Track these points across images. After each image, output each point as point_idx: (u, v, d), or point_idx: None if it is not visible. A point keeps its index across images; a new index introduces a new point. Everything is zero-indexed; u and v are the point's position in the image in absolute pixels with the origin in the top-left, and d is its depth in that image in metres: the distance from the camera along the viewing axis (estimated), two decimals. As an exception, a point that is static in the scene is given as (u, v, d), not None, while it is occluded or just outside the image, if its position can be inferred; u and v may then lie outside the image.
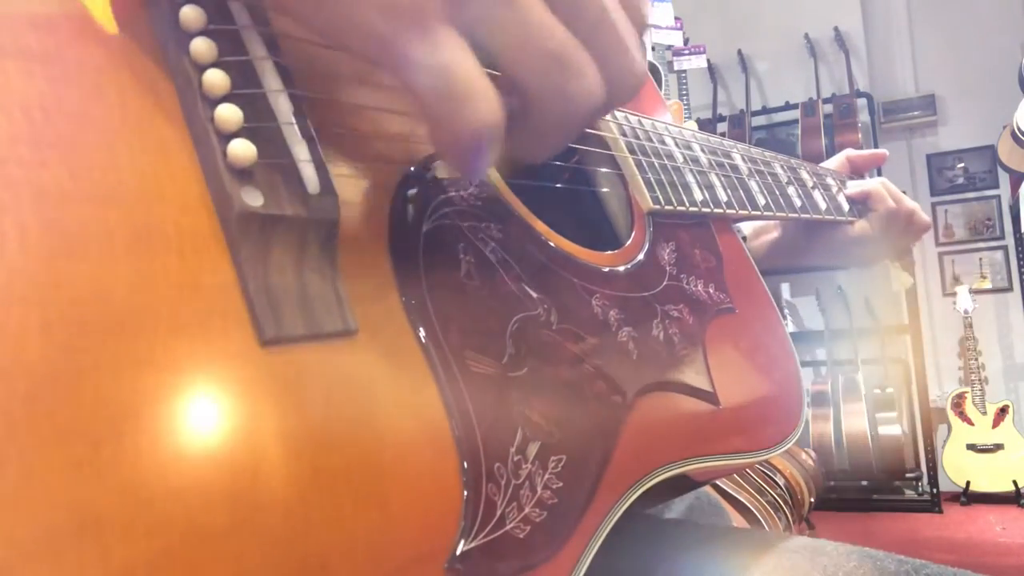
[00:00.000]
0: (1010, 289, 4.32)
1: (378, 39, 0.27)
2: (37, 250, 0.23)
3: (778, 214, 0.69)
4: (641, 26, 0.33)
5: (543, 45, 0.29)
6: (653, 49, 3.45)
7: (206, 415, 0.25)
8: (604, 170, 0.56)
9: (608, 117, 0.56)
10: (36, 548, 0.20)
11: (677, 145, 0.61)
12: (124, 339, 0.24)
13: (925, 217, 0.88)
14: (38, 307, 0.22)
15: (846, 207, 0.83)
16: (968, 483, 3.92)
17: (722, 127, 4.52)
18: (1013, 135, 3.54)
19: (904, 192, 0.88)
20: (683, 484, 0.58)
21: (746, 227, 0.88)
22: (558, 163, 0.55)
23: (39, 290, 0.23)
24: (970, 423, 4.01)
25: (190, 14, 0.29)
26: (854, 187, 0.85)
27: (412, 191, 0.36)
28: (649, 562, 0.54)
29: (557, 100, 0.30)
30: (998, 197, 4.40)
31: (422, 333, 0.32)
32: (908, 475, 3.99)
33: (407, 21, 0.27)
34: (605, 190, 0.56)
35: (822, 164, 0.88)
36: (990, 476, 3.89)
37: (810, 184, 0.78)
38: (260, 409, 0.26)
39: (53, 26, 0.26)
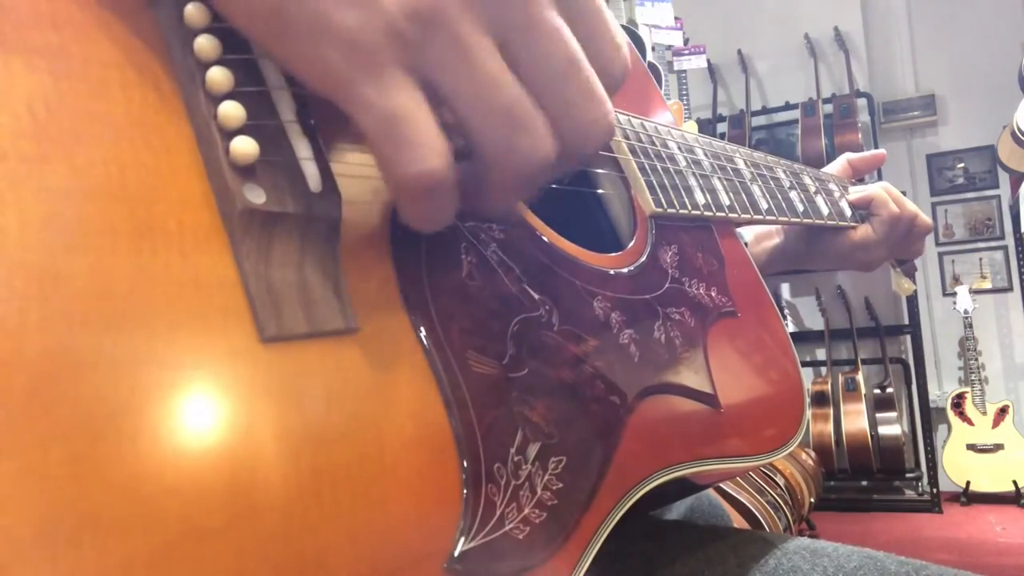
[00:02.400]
0: (1010, 289, 4.32)
1: (334, 77, 0.27)
2: (38, 245, 0.23)
3: (780, 218, 0.69)
4: (619, 72, 0.33)
5: (493, 99, 0.29)
6: (653, 49, 3.45)
7: (206, 412, 0.24)
8: (607, 172, 0.56)
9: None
10: (33, 545, 0.20)
11: (680, 148, 0.61)
12: (124, 335, 0.24)
13: (927, 220, 0.88)
14: (38, 302, 0.22)
15: (848, 212, 0.84)
16: (968, 483, 3.93)
17: (722, 127, 4.52)
18: (1013, 135, 3.54)
19: (904, 193, 0.89)
20: (685, 487, 0.58)
21: (747, 233, 0.89)
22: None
23: (39, 285, 0.23)
24: (970, 423, 4.01)
25: (194, 12, 0.29)
26: (856, 192, 0.85)
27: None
28: (649, 563, 0.54)
29: (506, 154, 0.30)
30: (998, 197, 4.40)
31: (423, 333, 0.32)
32: (908, 475, 3.99)
33: (364, 63, 0.27)
34: (608, 192, 0.56)
35: (823, 169, 0.88)
36: (990, 476, 3.89)
37: (812, 189, 0.78)
38: (260, 407, 0.26)
39: (57, 22, 0.26)
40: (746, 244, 0.86)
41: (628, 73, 0.34)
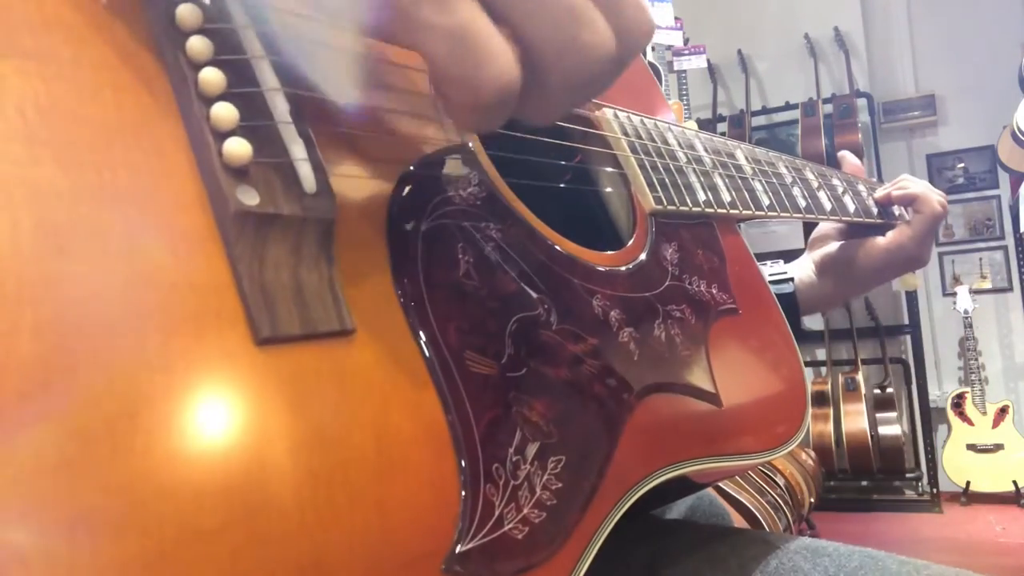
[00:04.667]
0: (1010, 289, 4.32)
1: (391, 6, 0.27)
2: (30, 249, 0.23)
3: (782, 214, 0.69)
4: None
5: None
6: (653, 49, 3.45)
7: (200, 415, 0.24)
8: (606, 170, 0.55)
9: (610, 117, 0.55)
10: (28, 547, 0.20)
11: (680, 145, 0.61)
12: (117, 338, 0.23)
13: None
14: (30, 306, 0.22)
15: (875, 210, 0.84)
16: (968, 483, 3.92)
17: (722, 127, 4.52)
18: (1013, 135, 3.54)
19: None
20: (685, 486, 0.58)
21: (798, 269, 0.88)
22: (560, 162, 0.55)
23: (31, 289, 0.22)
24: (970, 423, 4.01)
25: (186, 13, 0.29)
26: (900, 191, 0.86)
27: (410, 190, 0.35)
28: (650, 563, 0.54)
29: (570, 53, 0.29)
30: (998, 197, 4.40)
31: (420, 333, 0.32)
32: (908, 475, 3.99)
33: None
34: (608, 190, 0.56)
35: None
36: (990, 476, 3.89)
37: (815, 184, 0.78)
38: (255, 409, 0.26)
39: (48, 24, 0.26)
40: (792, 281, 0.85)
41: None
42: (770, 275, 0.63)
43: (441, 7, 0.27)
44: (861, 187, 0.86)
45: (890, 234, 0.85)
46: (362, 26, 0.28)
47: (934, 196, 0.85)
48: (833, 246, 0.88)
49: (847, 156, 0.93)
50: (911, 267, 0.86)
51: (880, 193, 0.88)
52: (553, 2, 0.28)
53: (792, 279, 0.85)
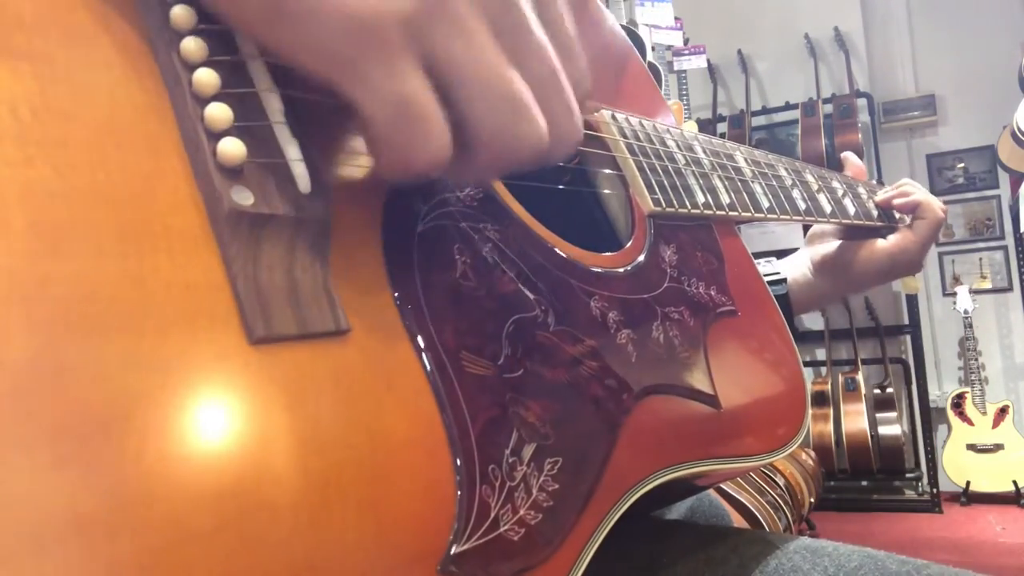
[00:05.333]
0: (1010, 289, 4.32)
1: (339, 61, 0.27)
2: (23, 248, 0.23)
3: (782, 216, 0.68)
4: (583, 95, 0.34)
5: (498, 85, 0.29)
6: (653, 49, 3.45)
7: (194, 415, 0.24)
8: (605, 171, 0.55)
9: (609, 118, 0.55)
10: (20, 547, 0.20)
11: (679, 147, 0.60)
12: (110, 339, 0.23)
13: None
14: (23, 305, 0.22)
15: (875, 213, 0.84)
16: (968, 483, 3.92)
17: (722, 127, 4.52)
18: (1013, 135, 3.54)
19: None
20: (685, 488, 0.58)
21: (789, 268, 0.88)
22: (559, 164, 0.54)
23: (24, 288, 0.22)
24: (970, 423, 4.01)
25: (180, 13, 0.29)
26: (903, 199, 0.86)
27: (406, 191, 0.35)
28: (650, 564, 0.54)
29: (504, 139, 0.30)
30: (998, 197, 4.40)
31: (416, 334, 0.32)
32: (908, 475, 3.99)
33: (371, 45, 0.27)
34: (606, 192, 0.55)
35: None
36: (990, 476, 3.89)
37: (815, 187, 0.78)
38: (249, 409, 0.26)
39: (42, 25, 0.26)
40: (784, 282, 0.86)
41: (589, 92, 0.35)
42: (763, 275, 0.63)
43: (390, 72, 0.27)
44: (861, 189, 0.86)
45: (893, 237, 0.85)
46: (310, 72, 0.28)
47: (936, 202, 0.86)
48: (832, 245, 0.87)
49: (850, 157, 0.93)
50: (911, 271, 0.87)
51: (881, 197, 0.88)
52: (496, 90, 0.29)
53: (785, 280, 0.85)
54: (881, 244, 0.84)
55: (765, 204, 0.67)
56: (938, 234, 0.87)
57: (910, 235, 0.85)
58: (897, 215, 0.88)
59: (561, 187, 0.56)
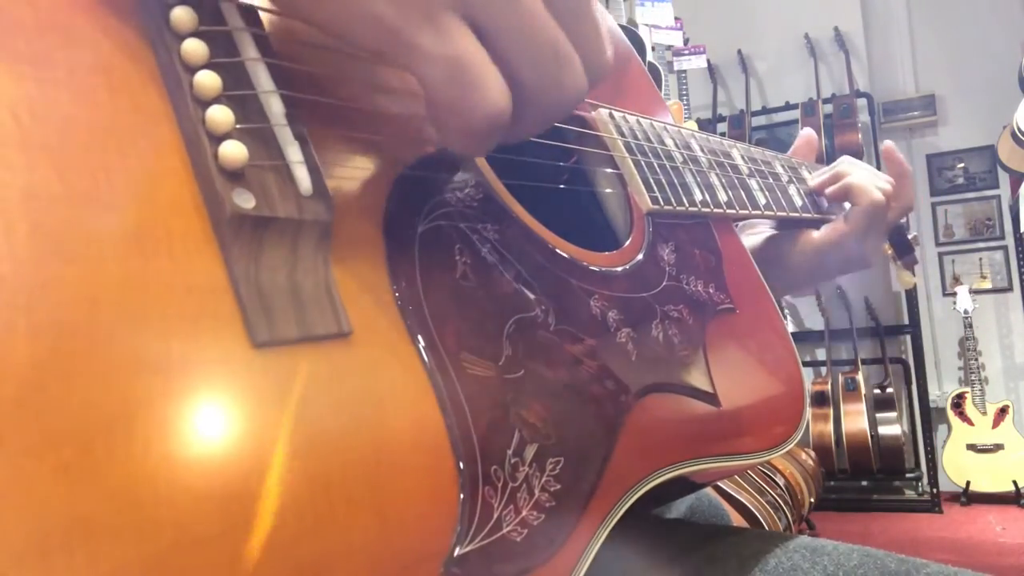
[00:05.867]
0: (1010, 289, 4.32)
1: (388, 30, 0.28)
2: (25, 253, 0.23)
3: (779, 213, 0.68)
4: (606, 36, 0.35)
5: (541, 37, 0.30)
6: (653, 49, 3.45)
7: (197, 418, 0.24)
8: (603, 170, 0.55)
9: (606, 117, 0.55)
10: (24, 552, 0.20)
11: (676, 145, 0.60)
12: (113, 343, 0.23)
13: (910, 194, 0.76)
14: (26, 310, 0.22)
15: (826, 204, 0.76)
16: (968, 483, 3.92)
17: (722, 127, 4.52)
18: (1013, 135, 3.54)
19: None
20: (684, 486, 0.58)
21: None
22: (557, 163, 0.55)
23: (27, 293, 0.22)
24: (970, 423, 4.01)
25: (181, 15, 0.29)
26: (833, 185, 0.74)
27: (407, 192, 0.35)
28: (650, 563, 0.54)
29: (552, 90, 0.31)
30: (998, 197, 4.40)
31: (418, 335, 0.32)
32: (908, 475, 3.99)
33: (418, 11, 0.27)
34: (604, 190, 0.56)
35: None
36: (990, 476, 3.89)
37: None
38: (253, 412, 0.26)
39: (43, 28, 0.26)
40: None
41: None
42: None
43: (440, 36, 0.28)
44: (805, 173, 0.78)
45: (824, 229, 0.73)
46: (360, 45, 0.29)
47: (873, 183, 0.71)
48: (759, 238, 0.77)
49: (892, 149, 0.79)
50: (853, 268, 0.74)
51: (815, 182, 0.75)
52: (540, 42, 0.30)
53: None
54: (813, 237, 0.73)
55: (762, 201, 0.67)
56: (884, 221, 0.72)
57: (842, 226, 0.71)
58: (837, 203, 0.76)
59: (560, 187, 0.56)
